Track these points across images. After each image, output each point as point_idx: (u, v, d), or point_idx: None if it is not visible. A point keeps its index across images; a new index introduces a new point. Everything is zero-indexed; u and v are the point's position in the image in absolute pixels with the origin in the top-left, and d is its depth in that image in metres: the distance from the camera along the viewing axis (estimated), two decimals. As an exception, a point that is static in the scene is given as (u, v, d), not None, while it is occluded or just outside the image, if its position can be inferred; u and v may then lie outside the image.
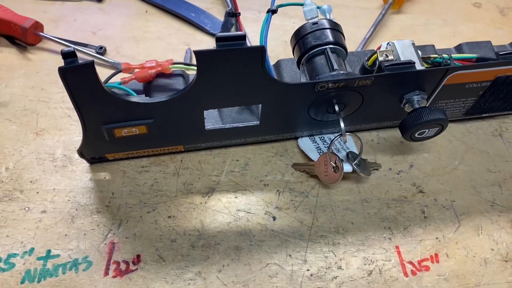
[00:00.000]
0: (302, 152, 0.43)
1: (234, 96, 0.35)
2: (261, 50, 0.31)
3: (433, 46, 0.47)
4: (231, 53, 0.30)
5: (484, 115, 0.46)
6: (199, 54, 0.30)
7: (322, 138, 0.44)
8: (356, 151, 0.42)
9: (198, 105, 0.35)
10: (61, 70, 0.29)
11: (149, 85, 0.41)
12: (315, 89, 0.36)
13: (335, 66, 0.38)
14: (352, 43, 0.54)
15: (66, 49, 0.29)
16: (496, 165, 0.43)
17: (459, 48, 0.48)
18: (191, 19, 0.55)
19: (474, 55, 0.43)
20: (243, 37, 0.30)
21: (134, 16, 0.56)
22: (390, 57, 0.39)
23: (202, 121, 0.37)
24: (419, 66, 0.38)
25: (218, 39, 0.30)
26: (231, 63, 0.31)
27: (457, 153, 0.44)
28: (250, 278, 0.35)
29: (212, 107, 0.36)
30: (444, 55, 0.42)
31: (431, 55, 0.42)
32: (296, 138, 0.44)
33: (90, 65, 0.29)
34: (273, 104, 0.37)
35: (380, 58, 0.39)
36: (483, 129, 0.46)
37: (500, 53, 0.38)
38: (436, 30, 0.58)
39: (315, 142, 0.43)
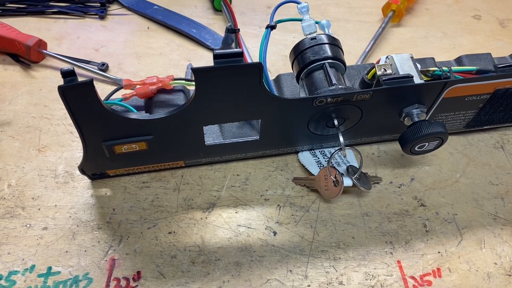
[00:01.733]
0: (303, 166, 0.43)
1: (233, 112, 0.35)
2: (258, 67, 0.31)
3: (433, 58, 0.47)
4: (229, 70, 0.31)
5: (485, 127, 0.46)
6: (196, 71, 0.30)
7: (323, 152, 0.44)
8: (357, 165, 0.42)
9: (197, 121, 0.35)
10: (60, 89, 0.29)
11: (150, 101, 0.41)
12: (313, 104, 0.36)
13: (334, 81, 0.38)
14: (352, 57, 0.55)
15: (65, 68, 0.29)
16: (498, 177, 0.43)
17: (459, 61, 0.48)
18: (193, 35, 0.56)
19: (474, 67, 0.43)
20: (240, 54, 0.30)
21: (136, 33, 0.57)
22: (389, 71, 0.39)
23: (202, 136, 0.37)
24: (417, 80, 0.38)
25: (216, 56, 0.30)
26: (229, 80, 0.32)
27: (458, 166, 0.44)
28: (250, 294, 0.35)
29: (212, 123, 0.36)
30: (444, 68, 0.42)
31: (431, 68, 0.42)
32: (297, 152, 0.44)
33: (89, 84, 0.30)
34: (272, 119, 0.37)
35: (379, 72, 0.39)
36: (485, 141, 0.46)
37: (499, 65, 0.38)
38: (436, 43, 0.58)
39: (316, 156, 0.44)
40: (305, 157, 0.43)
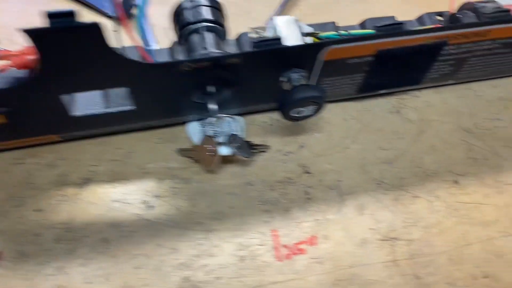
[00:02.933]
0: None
1: (89, 79, 0.33)
2: (95, 27, 0.28)
3: (333, 23, 0.46)
4: (64, 32, 0.28)
5: (381, 91, 0.45)
6: (29, 33, 0.28)
7: (211, 122, 0.42)
8: (239, 134, 0.40)
9: (49, 91, 0.33)
10: None
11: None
12: (179, 69, 0.34)
13: (207, 45, 0.36)
14: (260, 24, 0.52)
15: None
16: (390, 142, 0.42)
17: (363, 25, 0.47)
18: (91, 3, 0.53)
19: (373, 30, 0.42)
20: (71, 14, 0.28)
21: (32, 2, 0.53)
22: (265, 34, 0.37)
23: (63, 107, 0.35)
24: (294, 42, 0.37)
25: (48, 16, 0.28)
26: (69, 43, 0.29)
27: (350, 132, 0.43)
28: (114, 270, 0.34)
29: (67, 92, 0.34)
30: (342, 32, 0.41)
31: (315, 32, 0.40)
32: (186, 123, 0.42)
33: None
34: (140, 86, 0.35)
35: (254, 36, 0.37)
36: (380, 107, 0.45)
37: (377, 25, 0.37)
38: (349, 7, 0.56)
39: (203, 126, 0.42)
40: (192, 127, 0.42)
